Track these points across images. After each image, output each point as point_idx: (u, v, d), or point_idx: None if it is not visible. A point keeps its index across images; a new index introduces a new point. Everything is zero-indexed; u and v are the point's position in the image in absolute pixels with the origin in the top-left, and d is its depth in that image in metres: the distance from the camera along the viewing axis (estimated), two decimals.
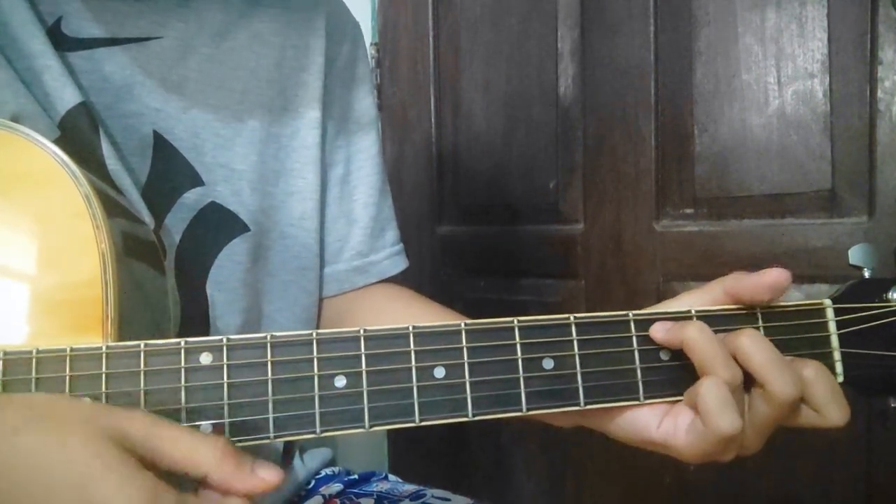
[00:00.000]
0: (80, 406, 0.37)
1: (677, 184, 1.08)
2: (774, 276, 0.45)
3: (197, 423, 0.40)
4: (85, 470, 0.33)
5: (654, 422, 0.46)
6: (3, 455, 0.34)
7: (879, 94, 0.90)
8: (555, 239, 1.22)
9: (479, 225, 1.34)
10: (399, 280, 0.72)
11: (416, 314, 0.66)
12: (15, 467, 0.33)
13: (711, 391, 0.42)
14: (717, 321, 0.45)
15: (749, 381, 0.43)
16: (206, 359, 0.40)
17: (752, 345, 0.43)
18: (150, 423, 0.36)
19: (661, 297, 0.73)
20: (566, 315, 0.44)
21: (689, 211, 1.08)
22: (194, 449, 0.36)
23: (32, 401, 0.37)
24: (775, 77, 0.98)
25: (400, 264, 0.72)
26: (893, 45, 0.89)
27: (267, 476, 0.37)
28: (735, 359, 0.43)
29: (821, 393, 0.43)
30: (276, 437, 0.40)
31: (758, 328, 0.46)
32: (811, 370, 0.43)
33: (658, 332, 0.45)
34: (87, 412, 0.36)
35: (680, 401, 0.45)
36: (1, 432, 0.34)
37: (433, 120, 1.39)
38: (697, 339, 0.43)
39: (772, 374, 0.42)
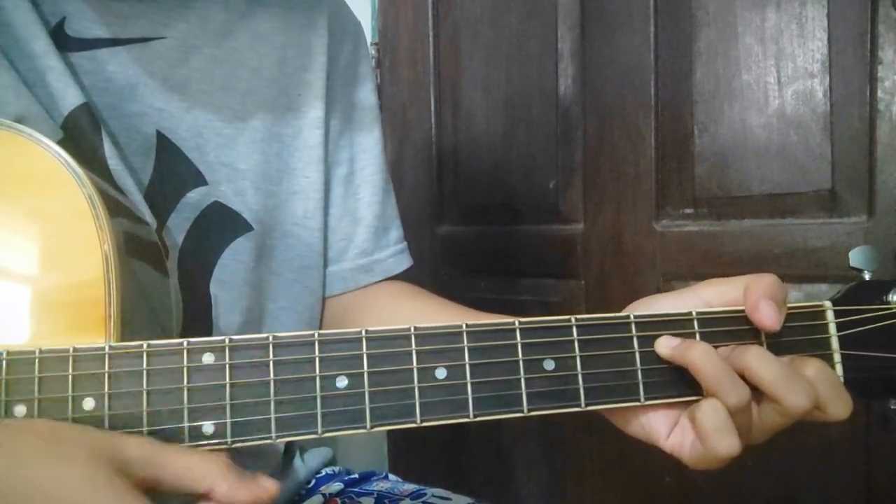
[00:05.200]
0: (81, 432, 0.37)
1: (677, 184, 1.08)
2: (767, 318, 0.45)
3: (199, 423, 0.40)
4: (79, 493, 0.34)
5: (664, 430, 0.46)
6: (5, 481, 0.34)
7: (879, 94, 0.90)
8: (555, 239, 1.22)
9: (479, 225, 1.34)
10: (404, 277, 0.72)
11: (421, 310, 0.66)
12: (15, 492, 0.34)
13: (709, 415, 0.42)
14: (719, 323, 0.46)
15: (760, 392, 0.43)
16: (208, 359, 0.41)
17: (760, 364, 0.42)
18: (150, 445, 0.37)
19: None
20: (567, 316, 0.44)
21: (689, 211, 1.08)
22: (196, 463, 0.37)
23: (36, 429, 0.38)
24: (775, 77, 0.98)
25: (404, 262, 0.72)
26: (893, 45, 0.89)
27: (268, 485, 0.38)
28: (744, 376, 0.43)
29: (824, 392, 0.43)
30: (277, 438, 0.41)
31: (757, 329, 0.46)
32: (812, 370, 0.43)
33: (664, 347, 0.45)
34: (88, 438, 0.37)
35: (682, 402, 0.45)
36: (5, 462, 0.35)
37: (433, 120, 1.39)
38: (702, 363, 0.43)
39: (783, 391, 0.42)
